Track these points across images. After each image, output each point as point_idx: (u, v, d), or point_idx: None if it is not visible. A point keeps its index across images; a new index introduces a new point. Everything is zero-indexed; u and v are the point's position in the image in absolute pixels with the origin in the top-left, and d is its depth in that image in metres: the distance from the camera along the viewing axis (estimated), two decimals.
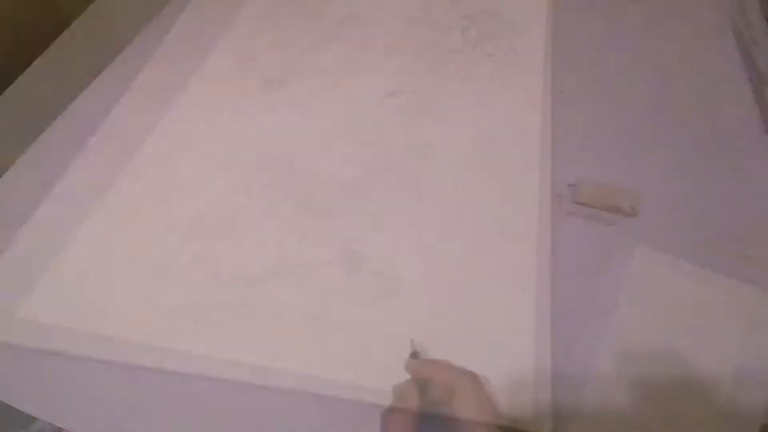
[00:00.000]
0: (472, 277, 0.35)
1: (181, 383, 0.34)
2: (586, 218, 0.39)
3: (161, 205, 0.41)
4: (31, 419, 0.33)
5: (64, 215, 0.41)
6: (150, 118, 0.47)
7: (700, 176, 0.41)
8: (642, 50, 0.51)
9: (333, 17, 0.53)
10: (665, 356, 0.33)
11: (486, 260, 0.36)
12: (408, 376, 0.30)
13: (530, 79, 0.47)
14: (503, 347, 0.32)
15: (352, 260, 0.36)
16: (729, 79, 0.49)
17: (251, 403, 0.32)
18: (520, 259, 0.36)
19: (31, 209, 0.42)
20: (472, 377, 0.28)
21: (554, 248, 0.37)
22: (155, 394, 0.33)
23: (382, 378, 0.30)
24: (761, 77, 0.48)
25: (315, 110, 0.45)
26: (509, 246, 0.37)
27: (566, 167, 0.41)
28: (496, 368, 0.31)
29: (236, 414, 0.32)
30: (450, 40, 0.51)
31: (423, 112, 0.45)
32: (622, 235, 0.38)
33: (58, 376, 0.34)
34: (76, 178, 0.43)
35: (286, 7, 0.55)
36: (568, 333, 0.34)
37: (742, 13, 0.55)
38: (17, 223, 0.42)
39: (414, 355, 0.31)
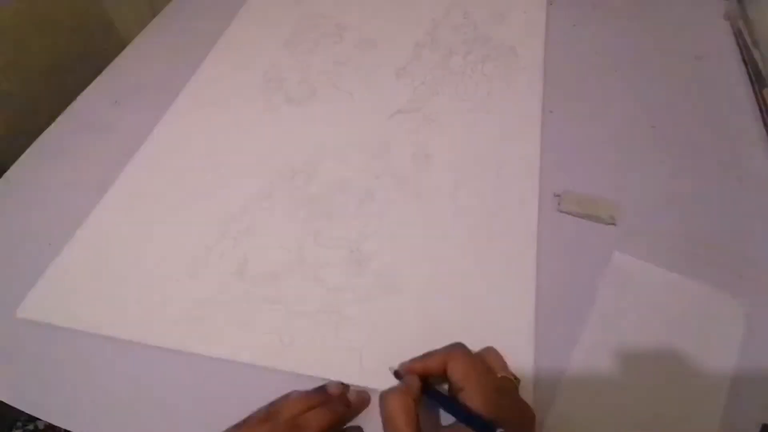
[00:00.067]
0: (469, 277, 0.38)
1: (182, 383, 0.34)
2: (569, 225, 0.41)
3: (168, 204, 0.43)
4: (29, 418, 0.31)
5: (64, 214, 0.42)
6: (153, 119, 0.48)
7: (680, 186, 0.43)
8: (634, 62, 0.53)
9: (349, 42, 0.58)
10: (640, 356, 0.34)
11: (481, 262, 0.39)
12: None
13: (524, 99, 0.50)
14: (496, 344, 0.33)
15: (358, 259, 0.39)
16: (728, 85, 0.50)
17: (261, 387, 0.31)
18: (510, 261, 0.39)
19: (31, 209, 0.43)
20: (460, 345, 0.29)
21: (542, 252, 0.39)
22: (156, 393, 0.33)
23: (383, 366, 0.32)
24: (761, 78, 0.49)
25: (332, 125, 0.49)
26: (501, 249, 0.40)
27: (553, 178, 0.44)
28: None
29: (243, 399, 0.30)
30: (452, 63, 0.54)
31: (426, 127, 0.49)
32: (602, 241, 0.40)
33: (58, 377, 0.34)
34: (79, 177, 0.45)
35: (307, 33, 0.60)
36: (550, 332, 0.35)
37: (742, 13, 0.55)
38: (18, 222, 0.42)
39: (397, 374, 0.31)
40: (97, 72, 0.54)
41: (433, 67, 0.54)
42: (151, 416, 0.33)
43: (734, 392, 0.33)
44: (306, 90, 0.53)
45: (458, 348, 0.29)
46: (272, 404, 0.30)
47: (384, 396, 0.28)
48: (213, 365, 0.35)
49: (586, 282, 0.38)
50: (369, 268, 0.39)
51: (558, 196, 0.43)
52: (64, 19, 0.64)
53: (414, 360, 0.30)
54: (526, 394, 0.32)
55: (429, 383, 0.29)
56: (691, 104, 0.50)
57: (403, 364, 0.30)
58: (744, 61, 0.53)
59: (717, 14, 0.58)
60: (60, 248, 0.40)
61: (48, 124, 0.49)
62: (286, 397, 0.30)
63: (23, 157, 0.47)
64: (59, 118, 0.50)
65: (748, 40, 0.53)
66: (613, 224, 0.41)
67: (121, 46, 0.57)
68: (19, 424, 0.36)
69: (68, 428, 0.32)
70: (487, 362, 0.29)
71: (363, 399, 0.32)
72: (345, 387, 0.32)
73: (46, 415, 0.33)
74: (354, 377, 0.33)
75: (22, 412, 0.33)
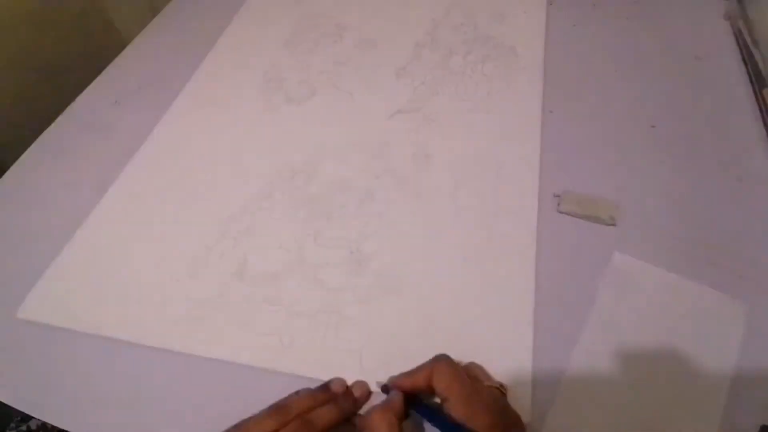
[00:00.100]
0: (469, 277, 0.38)
1: (182, 384, 0.34)
2: (569, 225, 0.41)
3: (168, 204, 0.43)
4: (22, 419, 0.31)
5: (64, 214, 0.42)
6: (153, 119, 0.48)
7: (680, 186, 0.43)
8: (634, 62, 0.53)
9: (349, 42, 0.58)
10: (640, 357, 0.34)
11: (480, 262, 0.39)
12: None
13: (524, 99, 0.50)
14: (496, 345, 0.34)
15: (358, 260, 0.39)
16: (728, 85, 0.50)
17: (261, 388, 0.31)
18: (510, 261, 0.39)
19: (31, 209, 0.43)
20: (444, 356, 0.29)
21: (542, 252, 0.39)
22: (156, 394, 0.33)
23: (383, 367, 0.32)
24: (761, 78, 0.49)
25: (332, 125, 0.49)
26: (500, 249, 0.40)
27: (553, 178, 0.44)
28: (495, 365, 0.32)
29: (244, 398, 0.30)
30: (452, 63, 0.54)
31: (426, 127, 0.49)
32: (602, 241, 0.40)
33: (59, 378, 0.34)
34: (79, 177, 0.44)
35: (307, 33, 0.60)
36: (549, 332, 0.35)
37: (742, 13, 0.55)
38: (18, 222, 0.42)
39: (385, 388, 0.31)
40: (97, 72, 0.54)
41: (433, 67, 0.54)
42: (152, 417, 0.33)
43: (734, 392, 0.33)
44: (306, 90, 0.53)
45: (442, 359, 0.29)
46: (281, 401, 0.30)
47: (368, 413, 0.28)
48: (213, 366, 0.35)
49: (586, 282, 0.38)
50: (369, 268, 0.39)
51: (558, 196, 0.43)
52: (64, 19, 0.63)
53: (401, 375, 0.30)
54: (525, 395, 0.32)
55: (419, 398, 0.29)
56: (691, 104, 0.50)
57: (391, 379, 0.31)
58: (744, 61, 0.53)
59: (717, 14, 0.58)
60: (60, 248, 0.40)
61: (48, 124, 0.49)
62: (294, 394, 0.31)
63: (23, 157, 0.47)
64: (59, 118, 0.50)
65: (748, 40, 0.53)
66: (613, 224, 0.41)
67: (121, 46, 0.57)
68: (13, 425, 0.36)
69: (69, 429, 0.32)
70: (472, 373, 0.30)
71: (365, 392, 0.32)
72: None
73: (47, 415, 0.33)
74: (354, 378, 0.33)
75: (16, 412, 0.33)
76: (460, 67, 0.54)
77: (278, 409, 0.29)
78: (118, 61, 0.55)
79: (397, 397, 0.28)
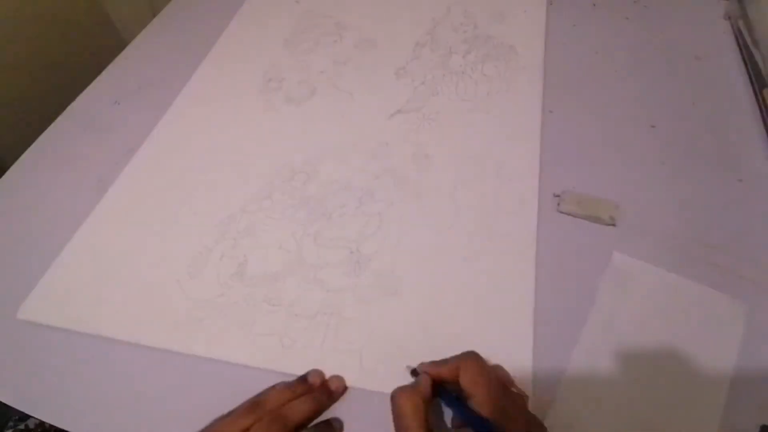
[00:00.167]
0: (469, 278, 0.38)
1: (183, 385, 0.34)
2: (569, 225, 0.41)
3: (168, 205, 0.43)
4: (20, 418, 0.31)
5: (64, 215, 0.42)
6: (153, 119, 0.48)
7: (680, 186, 0.43)
8: (634, 62, 0.53)
9: (349, 41, 0.58)
10: (640, 357, 0.34)
11: (480, 262, 0.39)
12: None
13: (524, 99, 0.50)
14: (496, 345, 0.34)
15: (358, 260, 0.39)
16: (728, 85, 0.50)
17: (261, 388, 0.32)
18: (510, 261, 0.39)
19: (31, 209, 0.43)
20: (473, 354, 0.29)
21: (542, 252, 0.39)
22: (156, 395, 0.33)
23: (383, 367, 0.33)
24: (761, 78, 0.49)
25: (332, 125, 0.49)
26: (500, 249, 0.40)
27: (553, 178, 0.44)
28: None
29: (244, 399, 0.31)
30: (452, 62, 0.54)
31: (426, 127, 0.49)
32: (602, 241, 0.40)
33: (59, 378, 0.34)
34: (79, 177, 0.44)
35: (307, 32, 0.60)
36: (549, 332, 0.35)
37: (742, 13, 0.55)
38: (18, 223, 0.42)
39: (414, 372, 0.32)
40: (97, 72, 0.54)
41: (433, 66, 0.54)
42: (152, 417, 0.33)
43: (734, 392, 0.33)
44: (306, 90, 0.53)
45: (471, 356, 0.29)
46: (258, 395, 0.30)
47: (395, 394, 0.28)
48: (213, 366, 0.35)
49: (586, 282, 0.38)
50: (369, 269, 0.39)
51: (558, 196, 0.43)
52: (65, 19, 0.63)
53: (428, 363, 0.30)
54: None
55: (442, 387, 0.29)
56: (691, 104, 0.50)
57: (421, 365, 0.31)
58: (744, 61, 0.53)
59: (717, 14, 0.58)
60: (60, 249, 0.40)
61: (48, 124, 0.49)
62: (271, 388, 0.31)
63: (23, 157, 0.47)
64: (59, 118, 0.50)
65: (748, 40, 0.53)
66: (613, 224, 0.41)
67: (121, 46, 0.57)
68: (11, 424, 0.36)
69: (68, 429, 0.32)
70: (499, 376, 0.30)
71: (341, 386, 0.32)
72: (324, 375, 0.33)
73: (46, 415, 0.33)
74: (354, 378, 0.33)
75: (14, 411, 0.33)
76: (460, 67, 0.54)
77: (252, 405, 0.29)
78: (118, 61, 0.55)
79: (425, 382, 0.28)
